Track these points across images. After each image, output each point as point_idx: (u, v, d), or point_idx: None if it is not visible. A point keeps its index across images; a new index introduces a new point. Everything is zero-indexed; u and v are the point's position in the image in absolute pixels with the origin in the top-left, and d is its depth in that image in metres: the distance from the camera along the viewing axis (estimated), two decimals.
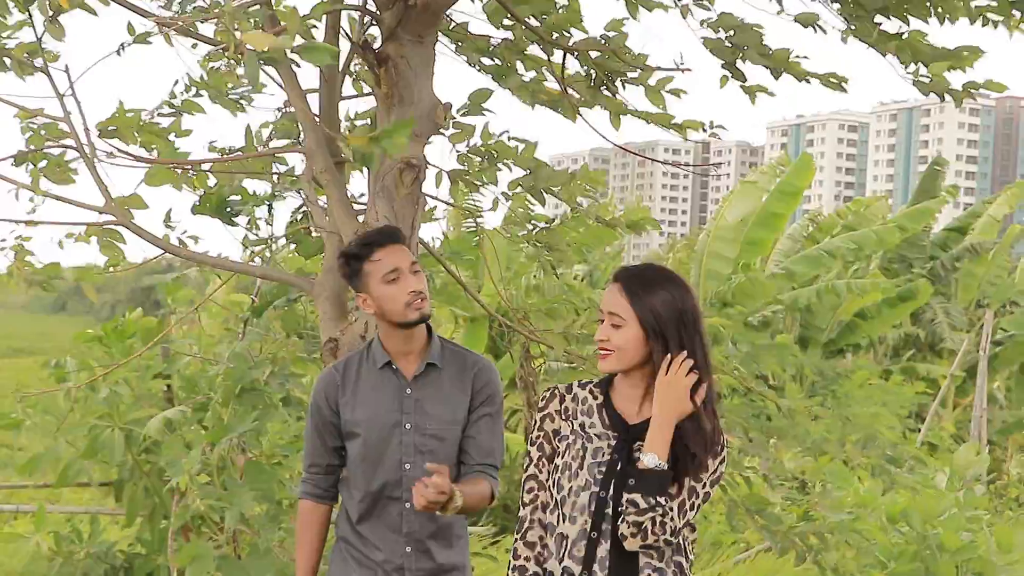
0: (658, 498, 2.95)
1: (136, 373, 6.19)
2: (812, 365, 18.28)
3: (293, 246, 5.58)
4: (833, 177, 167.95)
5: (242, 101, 5.08)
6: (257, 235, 5.44)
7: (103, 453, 5.82)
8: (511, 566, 3.13)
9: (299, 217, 5.33)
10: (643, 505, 2.95)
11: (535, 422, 3.18)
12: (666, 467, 2.97)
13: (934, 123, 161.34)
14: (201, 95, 5.15)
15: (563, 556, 3.05)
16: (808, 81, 5.15)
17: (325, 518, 3.79)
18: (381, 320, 3.66)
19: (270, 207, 5.36)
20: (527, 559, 3.11)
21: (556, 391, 3.19)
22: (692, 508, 3.06)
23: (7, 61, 4.69)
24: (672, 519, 2.98)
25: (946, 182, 25.09)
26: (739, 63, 5.12)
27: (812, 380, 19.58)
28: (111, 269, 5.08)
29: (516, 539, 3.16)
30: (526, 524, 3.14)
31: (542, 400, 3.20)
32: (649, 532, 2.96)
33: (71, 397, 5.78)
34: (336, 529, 3.82)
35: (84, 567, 6.30)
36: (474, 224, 6.78)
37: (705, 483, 3.07)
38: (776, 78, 5.11)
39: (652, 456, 2.97)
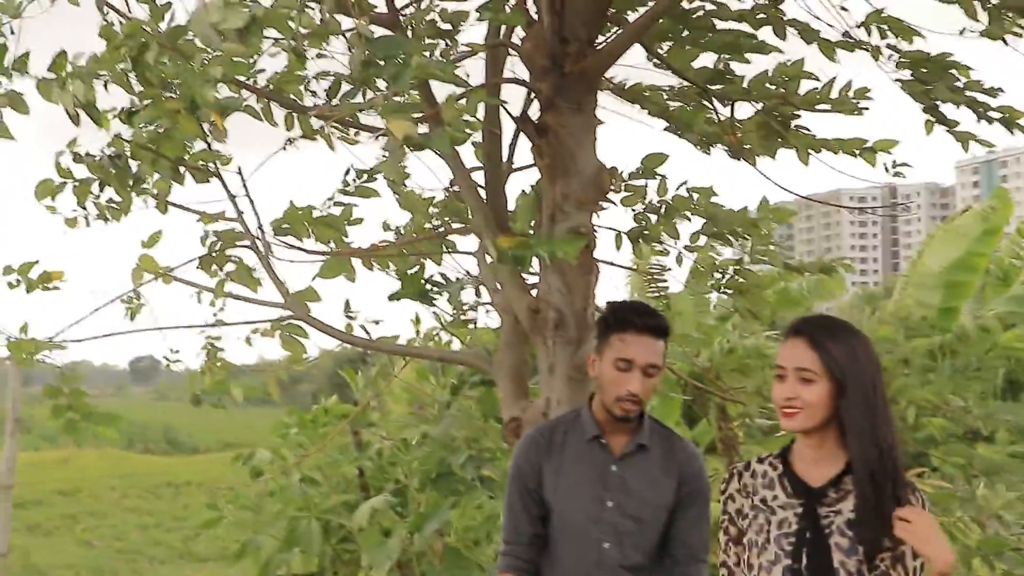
0: None
1: (328, 459, 6.23)
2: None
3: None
4: None
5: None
6: (455, 317, 5.47)
7: (302, 544, 5.83)
8: None
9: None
10: None
11: (722, 506, 3.06)
12: None
13: None
14: (374, 179, 5.21)
15: None
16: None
17: None
18: (599, 391, 3.55)
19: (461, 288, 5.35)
20: None
21: (734, 471, 3.07)
22: None
23: (182, 170, 4.81)
24: None
25: None
26: (939, 104, 4.80)
27: None
28: (293, 365, 5.14)
29: None
30: None
31: (723, 483, 3.08)
32: None
33: (265, 490, 5.85)
34: None
35: None
36: (657, 290, 6.63)
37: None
38: (981, 119, 4.76)
39: None
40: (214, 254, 4.93)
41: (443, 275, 5.26)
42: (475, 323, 5.69)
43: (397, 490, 5.90)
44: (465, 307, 5.53)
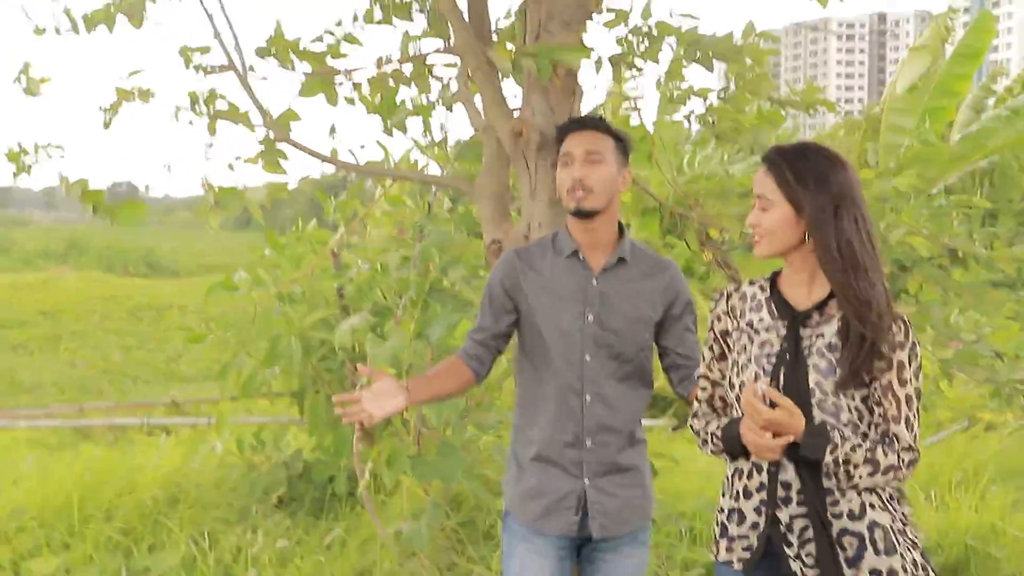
0: (831, 454, 2.83)
1: (308, 278, 6.23)
2: (1006, 236, 17.24)
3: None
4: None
5: None
6: (431, 141, 5.44)
7: (283, 363, 5.87)
8: (701, 438, 3.14)
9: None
10: (831, 471, 2.86)
11: (709, 324, 3.15)
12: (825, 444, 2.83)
13: None
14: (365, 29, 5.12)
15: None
16: None
17: (464, 374, 3.62)
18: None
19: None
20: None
21: (724, 292, 3.13)
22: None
23: None
24: (865, 443, 2.86)
25: None
26: None
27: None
28: (277, 192, 5.12)
29: (694, 424, 3.17)
30: (700, 412, 3.17)
31: (713, 303, 3.17)
32: (857, 474, 2.85)
33: (248, 312, 5.87)
34: (509, 456, 3.72)
35: (270, 474, 6.44)
36: (633, 111, 6.58)
37: (908, 380, 2.89)
38: None
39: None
40: (201, 97, 4.85)
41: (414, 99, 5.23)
42: (444, 144, 5.68)
43: (377, 310, 5.89)
44: (443, 130, 5.51)
